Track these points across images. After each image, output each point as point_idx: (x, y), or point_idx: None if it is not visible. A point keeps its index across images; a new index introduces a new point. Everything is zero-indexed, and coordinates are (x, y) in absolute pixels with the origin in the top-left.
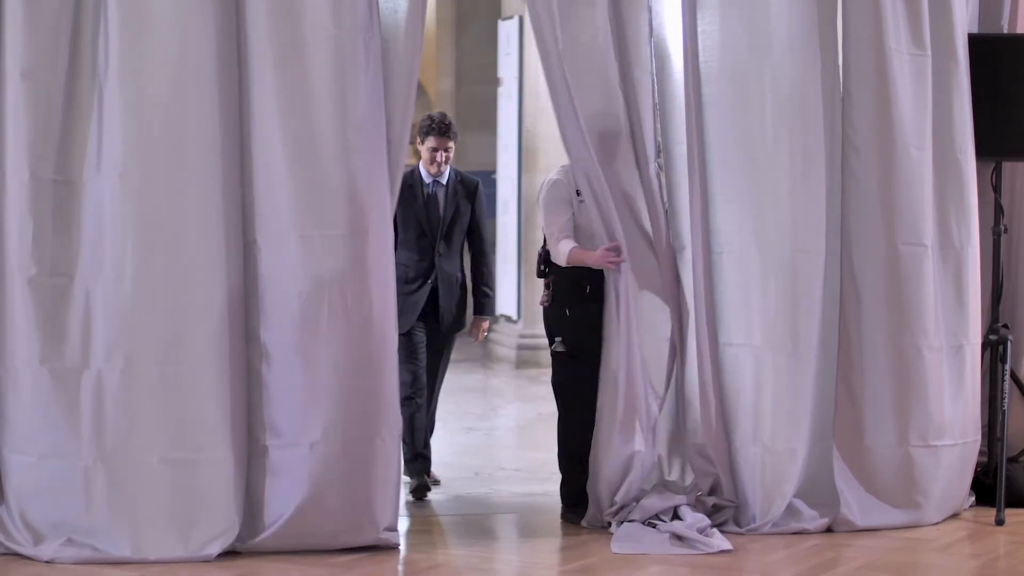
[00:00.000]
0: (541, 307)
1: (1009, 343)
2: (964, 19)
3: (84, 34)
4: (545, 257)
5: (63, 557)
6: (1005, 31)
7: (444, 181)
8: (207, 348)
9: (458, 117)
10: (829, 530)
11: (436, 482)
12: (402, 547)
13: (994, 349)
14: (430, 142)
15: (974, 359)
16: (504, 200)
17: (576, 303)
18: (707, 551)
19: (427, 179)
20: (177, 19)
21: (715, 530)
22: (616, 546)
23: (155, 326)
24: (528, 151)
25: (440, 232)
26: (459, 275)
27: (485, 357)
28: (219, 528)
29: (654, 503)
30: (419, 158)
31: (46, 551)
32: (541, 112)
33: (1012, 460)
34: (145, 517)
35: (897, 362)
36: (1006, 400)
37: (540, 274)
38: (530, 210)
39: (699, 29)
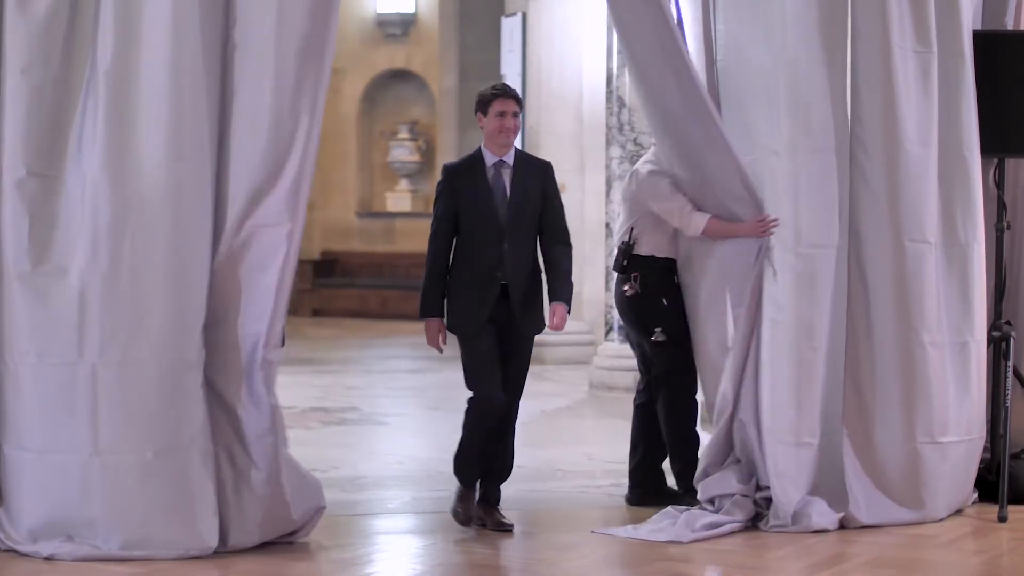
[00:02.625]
0: (626, 298)
1: (1012, 340)
2: (970, 16)
3: (81, 29)
4: (627, 250)
5: (62, 554)
6: (1010, 28)
7: (510, 161)
8: (202, 342)
9: (461, 114)
10: (840, 526)
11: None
12: (408, 543)
13: (997, 346)
14: (497, 106)
15: (979, 356)
16: None
17: (671, 292)
18: (731, 524)
19: (490, 160)
20: (172, 14)
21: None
22: (645, 532)
23: (151, 320)
24: (531, 148)
25: (508, 219)
26: (532, 267)
27: None
28: (213, 523)
29: (714, 486)
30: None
31: (45, 548)
32: (544, 109)
33: (1015, 457)
34: (141, 512)
35: (904, 359)
36: (1008, 397)
37: (621, 268)
38: None
39: (716, 27)
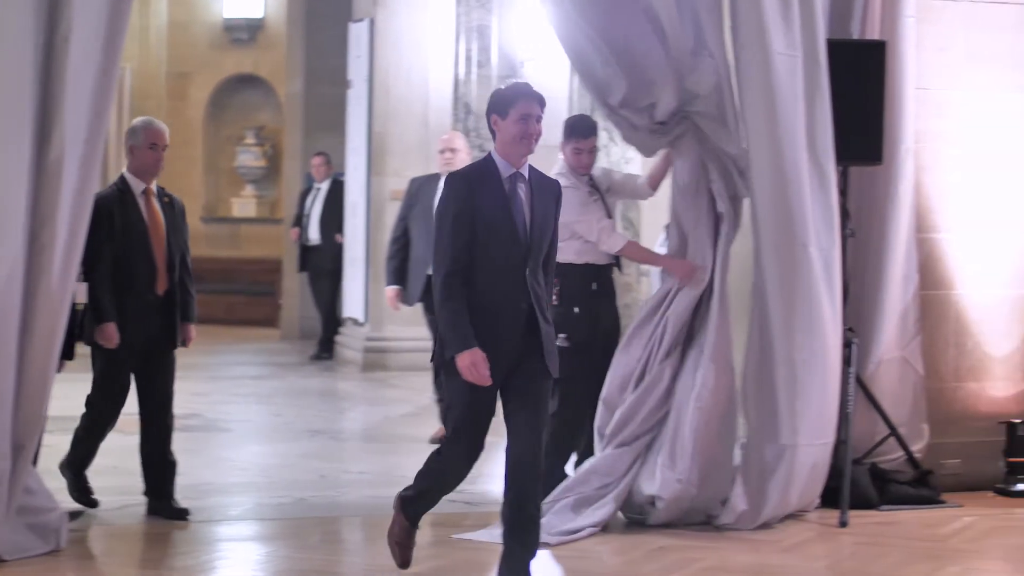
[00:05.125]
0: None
1: (854, 346)
2: (823, 23)
3: None
4: None
5: None
6: (855, 36)
7: (527, 174)
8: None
9: (307, 119)
10: (720, 527)
11: None
12: (251, 550)
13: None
14: (520, 108)
15: (837, 360)
16: (353, 203)
17: (584, 300)
18: (590, 529)
19: (505, 171)
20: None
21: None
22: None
23: (7, 324)
24: (377, 154)
25: (529, 240)
26: (546, 297)
27: (331, 360)
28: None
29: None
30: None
31: None
32: (390, 114)
33: (856, 463)
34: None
35: (793, 363)
36: (851, 403)
37: None
38: (378, 213)
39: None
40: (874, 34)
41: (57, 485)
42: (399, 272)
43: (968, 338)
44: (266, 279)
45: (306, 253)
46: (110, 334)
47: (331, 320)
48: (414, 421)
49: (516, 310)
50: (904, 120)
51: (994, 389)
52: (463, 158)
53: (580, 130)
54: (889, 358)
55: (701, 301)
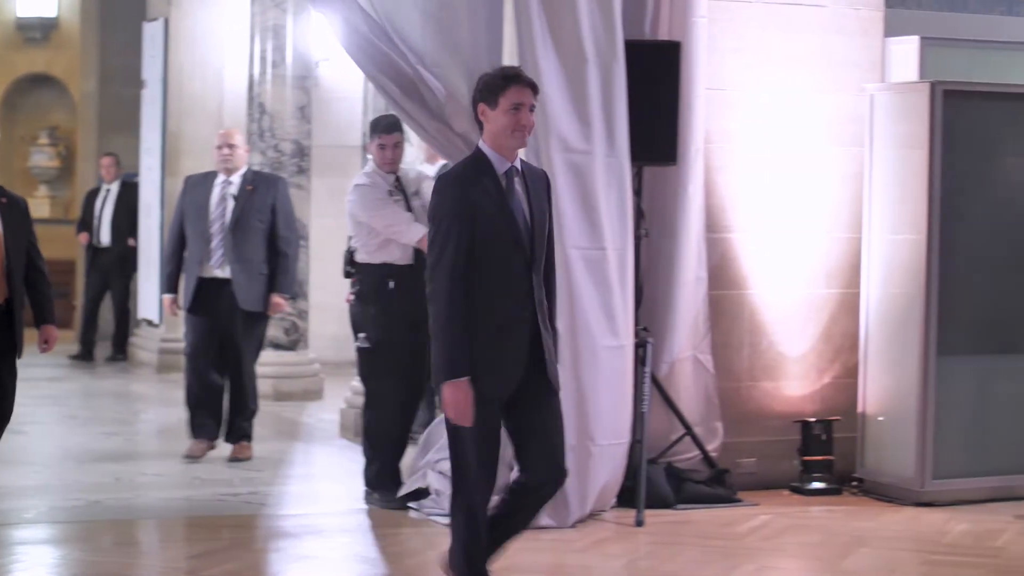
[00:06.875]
0: (348, 304)
1: (649, 346)
2: (622, 25)
3: None
4: (351, 258)
5: None
6: (648, 37)
7: (519, 167)
8: None
9: (101, 119)
10: None
11: None
12: (45, 553)
13: (635, 352)
14: (512, 96)
15: (630, 360)
16: (147, 203)
17: (380, 300)
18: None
19: (500, 167)
20: None
21: None
22: None
23: None
24: (171, 154)
25: (532, 242)
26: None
27: (126, 361)
28: None
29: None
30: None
31: None
32: (185, 114)
33: (651, 462)
34: None
35: (577, 362)
36: (646, 402)
37: (347, 274)
38: (172, 213)
39: None
40: (665, 35)
41: None
42: (174, 278)
43: (762, 337)
44: (60, 280)
45: (96, 255)
46: None
47: (123, 321)
48: None
49: (521, 321)
50: (694, 120)
51: (789, 388)
52: (241, 155)
53: (383, 126)
54: (683, 357)
55: None
